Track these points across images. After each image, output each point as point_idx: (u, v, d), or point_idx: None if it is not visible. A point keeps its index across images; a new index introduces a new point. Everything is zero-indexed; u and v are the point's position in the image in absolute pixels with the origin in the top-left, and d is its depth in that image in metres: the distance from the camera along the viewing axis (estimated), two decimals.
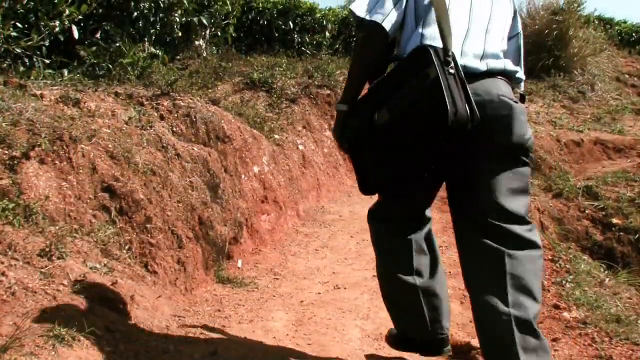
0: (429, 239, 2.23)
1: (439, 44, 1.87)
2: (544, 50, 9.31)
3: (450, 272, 3.29)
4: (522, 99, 2.05)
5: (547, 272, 3.38)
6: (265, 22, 8.07)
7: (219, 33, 6.67)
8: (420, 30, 1.94)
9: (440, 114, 1.76)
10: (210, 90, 5.17)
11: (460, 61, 1.90)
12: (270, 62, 6.69)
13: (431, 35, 1.92)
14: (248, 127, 4.41)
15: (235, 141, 3.98)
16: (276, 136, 4.93)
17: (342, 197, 5.15)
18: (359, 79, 2.06)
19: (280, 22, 8.12)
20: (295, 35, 8.28)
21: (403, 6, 1.97)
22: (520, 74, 2.12)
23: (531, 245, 1.90)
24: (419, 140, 1.87)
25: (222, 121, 3.99)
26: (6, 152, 2.46)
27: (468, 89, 1.82)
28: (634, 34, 13.35)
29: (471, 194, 1.94)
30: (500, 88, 1.94)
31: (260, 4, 8.10)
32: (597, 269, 3.69)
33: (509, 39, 2.13)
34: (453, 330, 2.65)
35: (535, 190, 5.34)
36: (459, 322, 2.72)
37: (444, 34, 1.87)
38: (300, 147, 5.18)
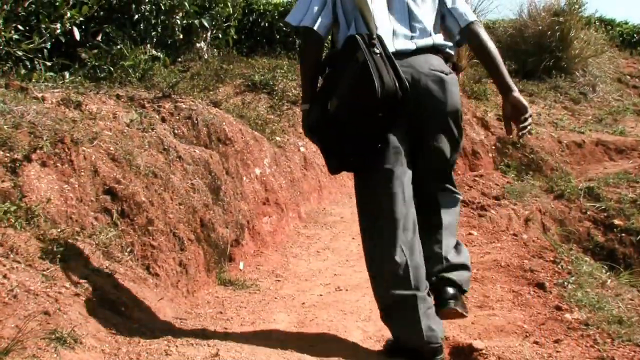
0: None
1: (365, 31, 2.15)
2: (546, 51, 9.30)
3: None
4: (454, 67, 2.33)
5: (549, 274, 3.38)
6: (267, 24, 8.07)
7: (220, 35, 6.67)
8: (352, 28, 2.23)
9: (371, 88, 2.05)
10: (211, 93, 5.17)
11: (394, 46, 2.18)
12: (271, 64, 6.69)
13: (359, 28, 2.21)
14: (249, 129, 4.41)
15: (237, 143, 3.99)
16: (278, 138, 4.93)
17: (343, 199, 5.14)
18: (308, 79, 2.34)
19: (281, 24, 8.12)
20: (297, 37, 8.28)
21: (330, 8, 2.25)
22: (451, 49, 2.36)
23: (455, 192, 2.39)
24: (364, 115, 2.15)
25: (224, 123, 3.99)
26: (8, 154, 2.47)
27: (396, 63, 2.11)
28: (635, 35, 13.32)
29: (418, 159, 2.28)
30: (431, 63, 2.22)
31: (262, 6, 8.10)
32: (599, 271, 3.68)
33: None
34: (454, 332, 2.65)
35: (536, 191, 5.34)
36: (460, 323, 2.71)
37: (367, 21, 2.16)
38: (302, 149, 5.18)
